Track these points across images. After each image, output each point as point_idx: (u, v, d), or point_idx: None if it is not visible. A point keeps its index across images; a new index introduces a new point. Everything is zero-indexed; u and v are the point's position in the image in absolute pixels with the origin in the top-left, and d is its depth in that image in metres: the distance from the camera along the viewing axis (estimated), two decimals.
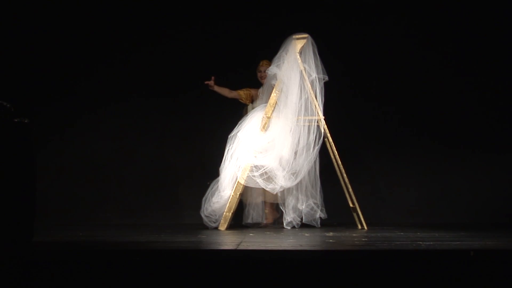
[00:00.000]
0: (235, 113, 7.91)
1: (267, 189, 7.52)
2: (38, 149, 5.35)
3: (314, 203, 7.67)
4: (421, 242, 5.46)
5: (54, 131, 8.49)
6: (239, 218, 7.96)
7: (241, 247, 5.16)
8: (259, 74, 8.13)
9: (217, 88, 8.00)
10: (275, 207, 7.94)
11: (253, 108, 8.02)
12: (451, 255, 4.66)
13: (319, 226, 7.64)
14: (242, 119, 7.77)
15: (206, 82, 7.91)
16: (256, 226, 7.83)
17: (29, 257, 4.57)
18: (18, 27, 8.51)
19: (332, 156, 7.67)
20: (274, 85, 7.73)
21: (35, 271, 4.50)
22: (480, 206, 8.61)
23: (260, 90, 8.10)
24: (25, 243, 5.07)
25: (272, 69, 7.72)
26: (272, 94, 7.71)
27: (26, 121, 5.20)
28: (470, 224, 7.97)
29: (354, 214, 7.71)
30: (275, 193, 7.63)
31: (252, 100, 8.19)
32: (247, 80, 8.14)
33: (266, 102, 7.77)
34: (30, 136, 5.21)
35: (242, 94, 8.16)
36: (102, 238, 6.18)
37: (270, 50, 7.85)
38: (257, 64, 8.12)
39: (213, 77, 7.91)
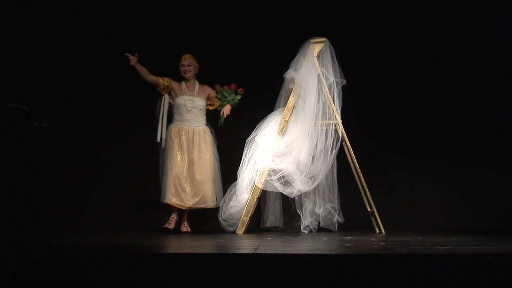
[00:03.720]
0: (253, 117, 7.90)
1: (284, 193, 7.52)
2: (57, 152, 5.36)
3: (332, 207, 7.66)
4: (439, 247, 5.44)
5: (73, 135, 8.52)
6: (256, 222, 7.96)
7: (258, 251, 5.17)
8: (182, 69, 7.96)
9: (138, 66, 7.78)
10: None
11: (171, 99, 7.96)
12: (469, 260, 4.64)
13: (337, 230, 7.63)
14: (260, 123, 7.78)
15: (126, 54, 7.74)
16: (274, 230, 7.83)
17: (48, 260, 4.60)
18: (46, 37, 8.57)
19: (350, 160, 7.66)
20: (292, 89, 7.73)
21: (54, 273, 4.53)
22: (499, 210, 8.56)
23: (183, 84, 7.99)
24: (44, 246, 5.09)
25: (290, 73, 7.73)
26: (290, 98, 7.72)
27: (45, 125, 5.24)
28: (488, 228, 7.92)
29: (372, 218, 7.69)
30: (292, 197, 7.62)
31: (170, 92, 7.96)
32: (266, 86, 8.11)
33: (284, 106, 7.77)
34: (49, 140, 5.24)
35: (160, 82, 7.89)
36: (121, 242, 6.20)
37: (288, 54, 7.85)
38: (180, 58, 7.98)
39: (136, 54, 7.74)
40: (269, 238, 6.72)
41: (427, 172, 8.79)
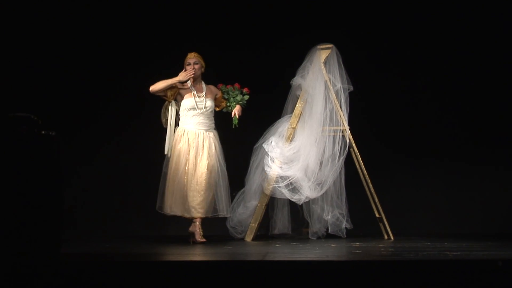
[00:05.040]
0: (260, 124, 7.89)
1: (292, 199, 7.51)
2: (66, 161, 5.38)
3: (340, 214, 7.64)
4: (448, 252, 5.43)
5: (82, 144, 8.53)
6: (265, 229, 7.95)
7: (267, 258, 5.17)
8: (188, 68, 7.49)
9: (172, 84, 7.40)
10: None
11: (177, 106, 7.52)
12: (479, 265, 4.63)
13: (345, 236, 7.62)
14: (267, 130, 7.77)
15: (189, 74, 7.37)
16: (282, 236, 7.82)
17: (56, 269, 4.60)
18: (55, 46, 8.60)
19: (358, 166, 7.65)
20: (299, 95, 7.73)
21: (62, 282, 4.53)
22: (509, 215, 8.52)
23: (190, 85, 7.50)
24: (53, 255, 5.10)
25: (297, 80, 7.72)
26: (297, 105, 7.71)
27: (53, 133, 5.25)
28: (498, 234, 7.90)
29: (380, 224, 7.67)
30: (300, 203, 7.61)
31: (176, 96, 7.49)
32: (273, 93, 8.10)
33: (291, 112, 7.77)
34: (57, 148, 5.26)
35: (168, 92, 7.45)
36: (129, 250, 6.21)
37: (295, 61, 7.85)
38: (185, 56, 7.58)
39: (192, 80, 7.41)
40: (277, 245, 6.71)
41: (435, 177, 8.76)
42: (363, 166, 7.63)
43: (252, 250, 6.23)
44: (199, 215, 7.26)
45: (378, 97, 8.72)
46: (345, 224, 7.64)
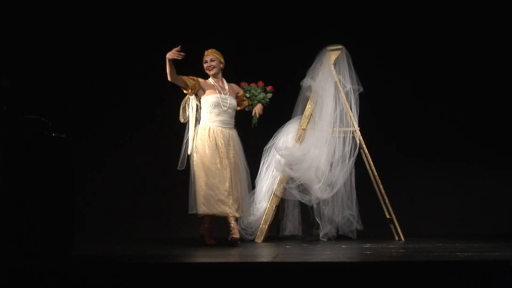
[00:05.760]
0: (270, 125, 7.89)
1: (303, 201, 7.52)
2: (76, 163, 5.40)
3: (350, 215, 7.64)
4: (459, 253, 5.42)
5: (92, 146, 8.56)
6: (275, 230, 7.96)
7: (277, 260, 5.17)
8: (205, 65, 7.30)
9: (171, 63, 6.93)
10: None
11: (198, 101, 7.27)
12: (490, 266, 4.62)
13: (356, 237, 7.61)
14: (277, 131, 7.77)
15: (179, 48, 6.85)
16: (293, 238, 7.82)
17: (68, 270, 4.62)
18: (64, 48, 8.64)
19: (368, 167, 7.65)
20: (309, 97, 7.73)
21: (73, 284, 4.55)
22: None
23: (213, 81, 7.29)
24: (64, 256, 5.12)
25: (307, 81, 7.73)
26: (307, 106, 7.72)
27: (63, 136, 5.27)
28: (509, 234, 7.87)
29: (391, 225, 7.66)
30: (311, 205, 7.61)
31: (197, 92, 7.21)
32: (284, 94, 8.08)
33: (301, 114, 7.77)
34: (68, 151, 5.28)
35: (187, 81, 7.13)
36: (139, 252, 6.22)
37: (305, 62, 7.85)
38: (203, 54, 7.38)
39: (183, 54, 6.87)
40: (288, 247, 6.71)
41: (446, 178, 8.75)
42: (373, 167, 7.62)
43: (263, 252, 6.23)
44: (237, 214, 7.09)
45: (387, 98, 8.71)
46: (355, 225, 7.63)
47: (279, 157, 7.59)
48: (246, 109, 7.63)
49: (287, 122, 7.83)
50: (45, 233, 5.05)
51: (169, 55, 6.86)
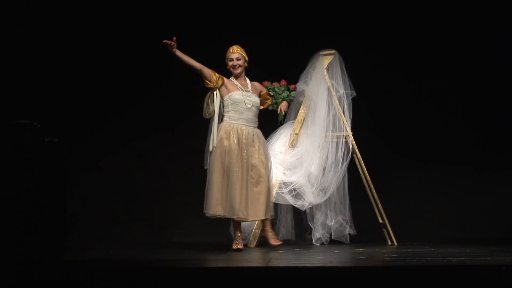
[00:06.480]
0: (263, 130, 7.88)
1: (296, 206, 7.51)
2: (68, 168, 5.39)
3: (343, 219, 7.64)
4: (452, 258, 5.42)
5: (84, 150, 8.54)
6: None
7: (271, 264, 5.16)
8: (230, 63, 7.08)
9: (179, 53, 6.80)
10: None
11: (221, 98, 7.04)
12: (482, 271, 4.63)
13: (349, 242, 7.61)
14: (270, 136, 7.77)
15: (165, 41, 6.75)
16: (285, 243, 7.81)
17: (60, 275, 4.61)
18: (58, 52, 8.61)
19: (361, 172, 7.65)
20: (302, 101, 7.74)
21: None
22: None
23: (234, 80, 7.12)
24: (57, 261, 5.11)
25: (300, 86, 7.73)
26: (300, 111, 7.72)
27: (56, 140, 5.26)
28: (501, 239, 7.89)
29: (384, 230, 7.67)
30: (303, 210, 7.61)
31: (220, 88, 7.00)
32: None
33: (294, 118, 7.77)
34: (61, 155, 5.27)
35: (212, 76, 6.93)
36: (132, 257, 6.21)
37: (298, 67, 7.85)
38: (226, 51, 7.17)
39: (174, 38, 6.75)
40: (281, 251, 6.71)
41: (438, 183, 8.76)
42: (366, 172, 7.63)
43: (256, 256, 6.22)
44: (267, 216, 6.98)
45: (380, 102, 8.73)
46: (348, 230, 7.63)
47: (272, 162, 7.59)
48: (270, 108, 7.49)
49: (280, 127, 7.82)
50: (38, 238, 5.04)
51: (173, 48, 6.77)
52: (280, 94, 7.41)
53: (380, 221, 7.66)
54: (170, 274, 4.66)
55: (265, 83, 7.47)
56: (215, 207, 6.79)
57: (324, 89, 7.68)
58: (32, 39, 8.56)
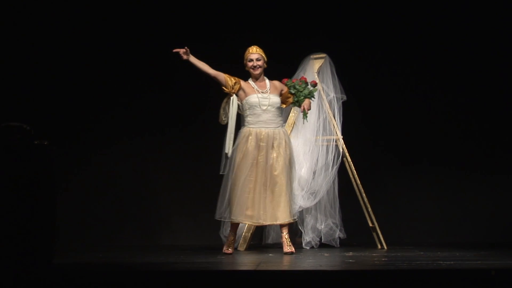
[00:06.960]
0: None
1: None
2: (58, 171, 5.36)
3: (333, 223, 7.64)
4: (441, 262, 5.43)
5: (74, 153, 8.51)
6: (258, 239, 7.94)
7: (260, 268, 5.16)
8: (249, 64, 6.97)
9: (193, 60, 6.78)
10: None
11: (239, 101, 6.96)
12: (472, 275, 4.63)
13: (338, 246, 7.62)
14: None
15: (175, 50, 6.73)
16: (275, 246, 7.81)
17: (49, 279, 4.59)
18: (48, 53, 8.57)
19: (351, 176, 7.66)
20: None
21: None
22: (501, 225, 8.54)
23: (252, 82, 7.01)
24: (46, 265, 5.09)
25: (290, 89, 7.72)
26: (290, 114, 7.72)
27: (45, 143, 5.24)
28: (491, 243, 7.90)
29: (374, 234, 7.68)
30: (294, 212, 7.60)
31: (238, 92, 6.91)
32: None
33: (284, 122, 7.75)
34: (50, 158, 5.25)
35: (228, 81, 6.87)
36: (122, 260, 6.19)
37: (288, 70, 7.85)
38: (245, 52, 7.07)
39: (186, 47, 6.74)
40: (270, 255, 6.70)
41: (428, 187, 8.78)
42: (356, 176, 7.64)
43: (245, 260, 6.22)
44: (286, 221, 6.82)
45: (371, 106, 8.73)
46: (338, 233, 7.64)
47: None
48: (292, 105, 7.28)
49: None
50: (26, 241, 5.02)
51: (184, 57, 6.74)
52: (301, 92, 7.12)
53: (370, 224, 7.67)
54: (159, 277, 4.65)
55: (285, 80, 7.22)
56: (236, 214, 6.73)
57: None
58: (20, 41, 8.52)
